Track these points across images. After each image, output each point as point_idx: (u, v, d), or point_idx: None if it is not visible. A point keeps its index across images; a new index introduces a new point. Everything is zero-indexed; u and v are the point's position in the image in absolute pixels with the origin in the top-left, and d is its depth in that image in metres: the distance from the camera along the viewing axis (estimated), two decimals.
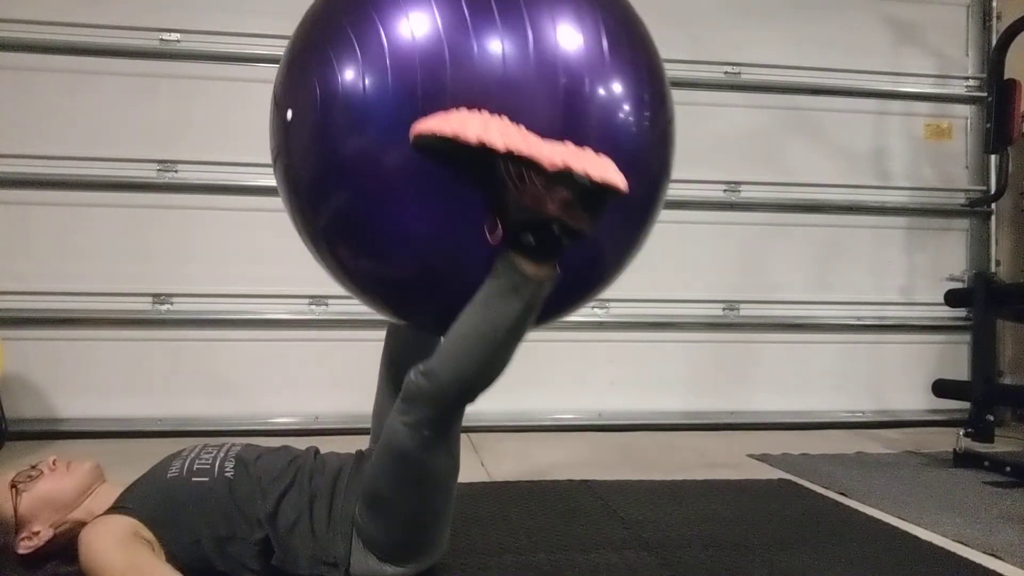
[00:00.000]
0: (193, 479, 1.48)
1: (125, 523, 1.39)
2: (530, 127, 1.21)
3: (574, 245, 1.24)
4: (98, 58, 3.27)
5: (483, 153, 1.16)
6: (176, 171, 3.32)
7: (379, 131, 1.25)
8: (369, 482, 1.46)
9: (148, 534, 1.39)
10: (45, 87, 3.25)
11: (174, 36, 3.32)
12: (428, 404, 1.35)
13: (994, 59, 3.21)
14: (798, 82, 3.76)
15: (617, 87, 1.31)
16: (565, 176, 1.17)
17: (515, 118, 1.20)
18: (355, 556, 1.47)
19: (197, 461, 1.53)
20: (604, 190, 1.18)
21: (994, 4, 3.91)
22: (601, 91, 1.29)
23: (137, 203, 3.30)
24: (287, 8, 3.46)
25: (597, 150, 1.20)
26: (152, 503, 1.44)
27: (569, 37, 1.27)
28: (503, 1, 1.24)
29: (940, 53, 3.92)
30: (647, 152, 1.38)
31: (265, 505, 1.47)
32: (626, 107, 1.32)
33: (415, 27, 1.24)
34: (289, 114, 1.38)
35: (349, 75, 1.26)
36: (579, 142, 1.21)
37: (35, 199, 3.24)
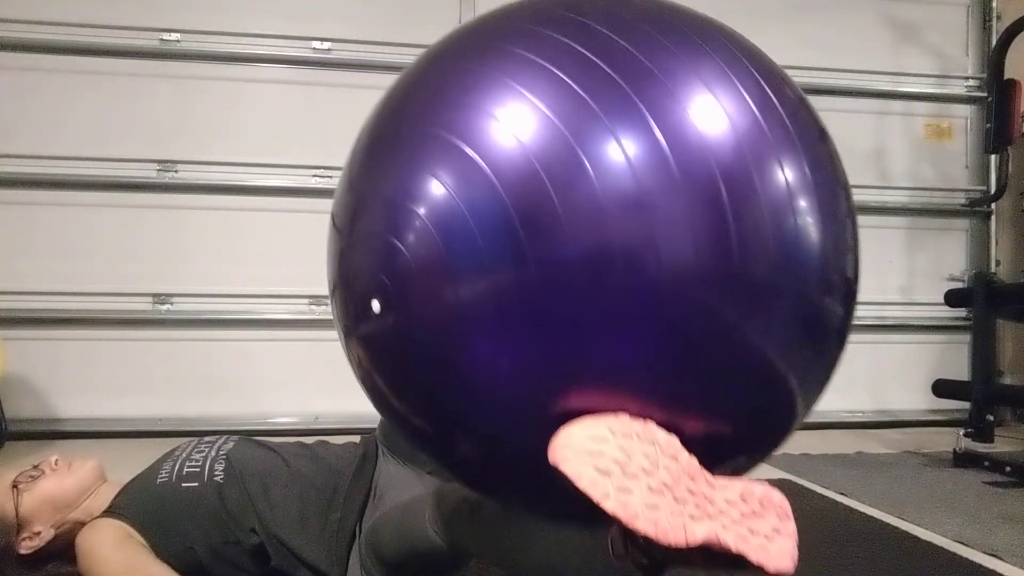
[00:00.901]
0: (183, 484, 1.44)
1: (118, 525, 1.38)
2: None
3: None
4: (98, 58, 3.27)
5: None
6: (176, 171, 3.32)
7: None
8: (379, 543, 1.34)
9: (140, 538, 1.38)
10: (45, 87, 3.25)
11: (174, 36, 3.32)
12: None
13: (994, 59, 3.21)
14: (798, 82, 3.73)
15: (790, 171, 0.89)
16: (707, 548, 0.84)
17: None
18: (351, 572, 1.41)
19: (187, 463, 1.49)
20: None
21: (994, 4, 3.91)
22: (777, 179, 0.87)
23: (137, 203, 3.30)
24: (287, 8, 3.49)
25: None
26: (144, 509, 1.42)
27: (710, 112, 0.86)
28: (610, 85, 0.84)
29: (940, 53, 3.92)
30: (835, 259, 0.94)
31: (257, 512, 1.42)
32: (803, 201, 0.89)
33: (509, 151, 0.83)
34: (376, 306, 0.94)
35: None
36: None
37: (35, 199, 3.24)
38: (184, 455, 1.52)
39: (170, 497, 1.42)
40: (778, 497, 0.95)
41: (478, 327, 0.84)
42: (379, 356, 0.98)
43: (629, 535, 0.91)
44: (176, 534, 1.40)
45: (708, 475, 0.88)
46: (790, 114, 0.96)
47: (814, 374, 1.01)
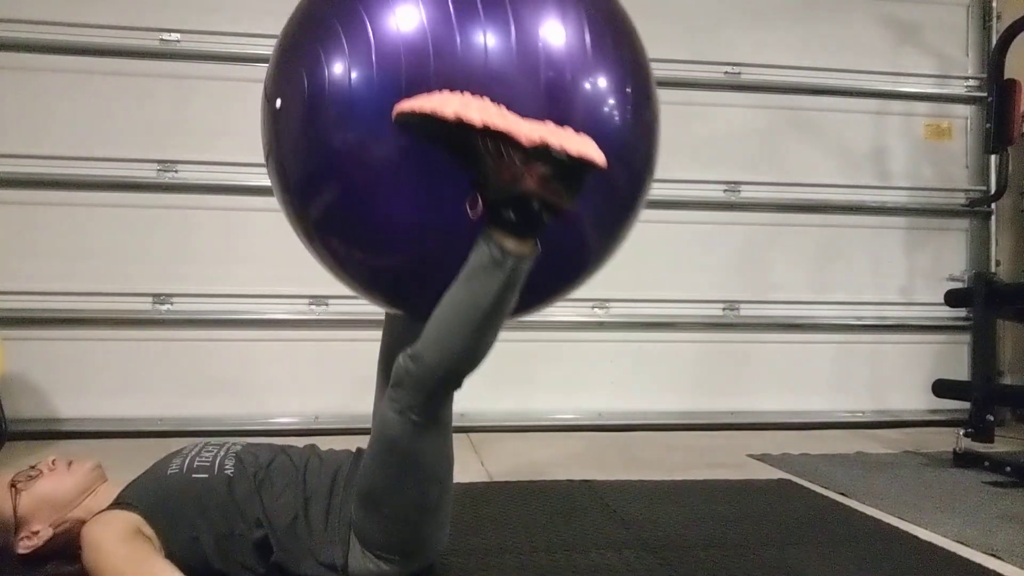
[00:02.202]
0: (193, 475, 1.49)
1: (125, 518, 1.39)
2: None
3: (554, 221, 1.26)
4: (98, 58, 3.27)
5: (461, 129, 1.16)
6: (176, 171, 3.32)
7: (366, 123, 1.27)
8: (363, 477, 1.46)
9: (148, 530, 1.40)
10: (46, 87, 3.25)
11: (174, 36, 3.32)
12: (416, 388, 1.35)
13: (994, 59, 3.21)
14: (798, 82, 3.76)
15: (600, 81, 1.33)
16: (542, 151, 1.17)
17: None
18: (352, 557, 1.47)
19: (197, 459, 1.54)
20: (582, 165, 1.18)
21: (994, 4, 3.91)
22: (584, 84, 1.31)
23: (137, 203, 3.30)
24: (287, 8, 3.47)
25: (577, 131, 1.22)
26: (152, 499, 1.45)
27: (552, 31, 1.29)
28: None
29: (940, 53, 3.92)
30: (630, 144, 1.40)
31: (263, 504, 1.48)
32: (609, 101, 1.34)
33: (400, 22, 1.26)
34: (278, 103, 1.38)
35: (336, 69, 1.28)
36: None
37: (35, 199, 3.24)
38: (194, 452, 1.57)
39: (180, 487, 1.47)
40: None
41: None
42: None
43: (482, 153, 1.19)
44: (183, 523, 1.43)
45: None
46: (609, 42, 1.38)
47: (603, 227, 1.46)
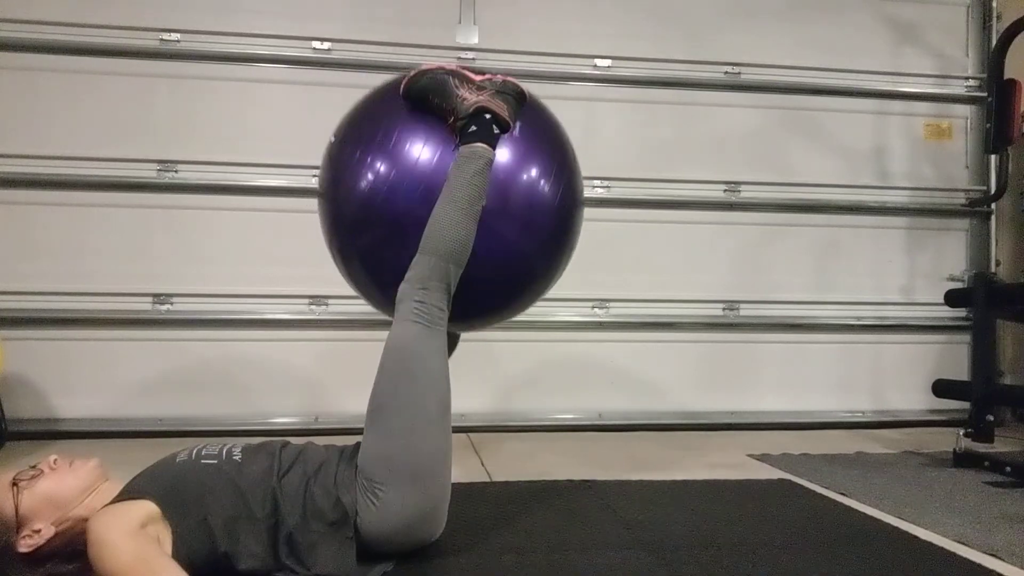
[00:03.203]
0: (202, 461, 1.58)
1: (133, 511, 1.41)
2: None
3: (502, 134, 1.78)
4: (98, 58, 3.27)
5: (441, 76, 1.79)
6: (176, 171, 3.32)
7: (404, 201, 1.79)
8: (372, 396, 1.64)
9: (156, 523, 1.43)
10: (45, 87, 3.25)
11: (174, 36, 3.32)
12: (416, 285, 1.65)
13: (994, 59, 3.21)
14: (798, 82, 3.76)
15: (532, 171, 1.88)
16: (487, 82, 1.84)
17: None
18: (360, 502, 1.57)
19: (204, 450, 1.62)
20: (513, 88, 1.85)
21: (994, 4, 3.91)
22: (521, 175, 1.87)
23: (137, 203, 3.30)
24: (287, 8, 3.49)
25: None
26: (162, 483, 1.51)
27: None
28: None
29: (940, 53, 3.92)
30: (551, 207, 1.89)
31: (272, 481, 1.56)
32: (539, 185, 1.88)
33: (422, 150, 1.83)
34: (332, 139, 1.99)
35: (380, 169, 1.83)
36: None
37: (36, 199, 3.24)
38: (199, 446, 1.64)
39: (190, 471, 1.55)
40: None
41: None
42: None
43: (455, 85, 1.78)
44: (193, 505, 1.49)
45: None
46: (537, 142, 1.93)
47: (539, 249, 1.90)
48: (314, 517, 1.55)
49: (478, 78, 1.84)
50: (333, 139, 1.95)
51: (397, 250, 1.75)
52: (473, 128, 1.74)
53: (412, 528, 1.62)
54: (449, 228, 1.67)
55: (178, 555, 1.43)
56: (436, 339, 1.65)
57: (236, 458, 1.59)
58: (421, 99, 1.80)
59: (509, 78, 1.88)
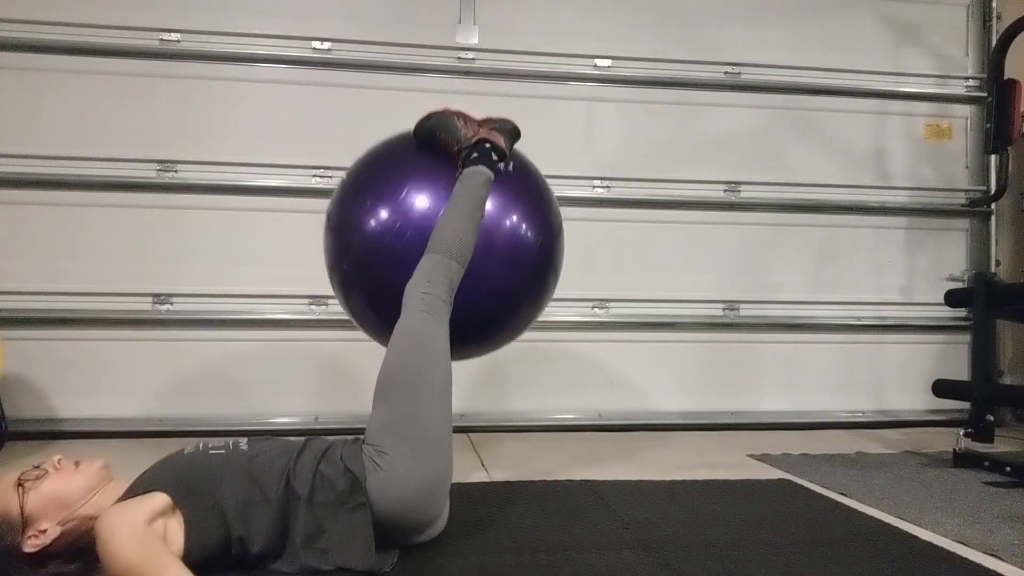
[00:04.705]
0: (211, 451, 1.63)
1: (142, 510, 1.42)
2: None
3: (501, 160, 2.00)
4: (98, 58, 3.27)
5: (447, 117, 2.03)
6: (176, 171, 3.32)
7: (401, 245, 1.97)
8: (380, 374, 1.74)
9: (164, 517, 1.45)
10: (45, 87, 3.25)
11: (174, 36, 3.32)
12: (422, 280, 1.79)
13: (994, 59, 3.20)
14: (798, 82, 3.76)
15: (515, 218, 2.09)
16: (486, 120, 2.08)
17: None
18: (368, 468, 1.63)
19: (211, 443, 1.66)
20: (509, 126, 2.11)
21: (994, 4, 3.91)
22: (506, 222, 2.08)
23: (137, 203, 3.30)
24: (286, 8, 3.49)
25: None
26: (170, 473, 1.54)
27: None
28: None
29: (940, 53, 3.92)
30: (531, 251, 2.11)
31: (283, 464, 1.61)
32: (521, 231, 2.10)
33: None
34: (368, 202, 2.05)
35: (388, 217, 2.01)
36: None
37: (36, 199, 3.24)
38: (204, 441, 1.68)
39: (200, 460, 1.60)
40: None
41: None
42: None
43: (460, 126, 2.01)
44: (204, 492, 1.52)
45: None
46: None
47: (526, 286, 2.11)
48: (325, 490, 1.59)
49: (479, 117, 2.10)
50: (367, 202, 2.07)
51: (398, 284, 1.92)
52: (475, 155, 1.97)
53: (418, 499, 1.65)
54: (454, 230, 1.85)
55: (191, 542, 1.46)
56: (440, 325, 1.78)
57: (244, 448, 1.65)
58: (429, 136, 2.03)
59: (505, 118, 2.14)
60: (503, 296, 2.06)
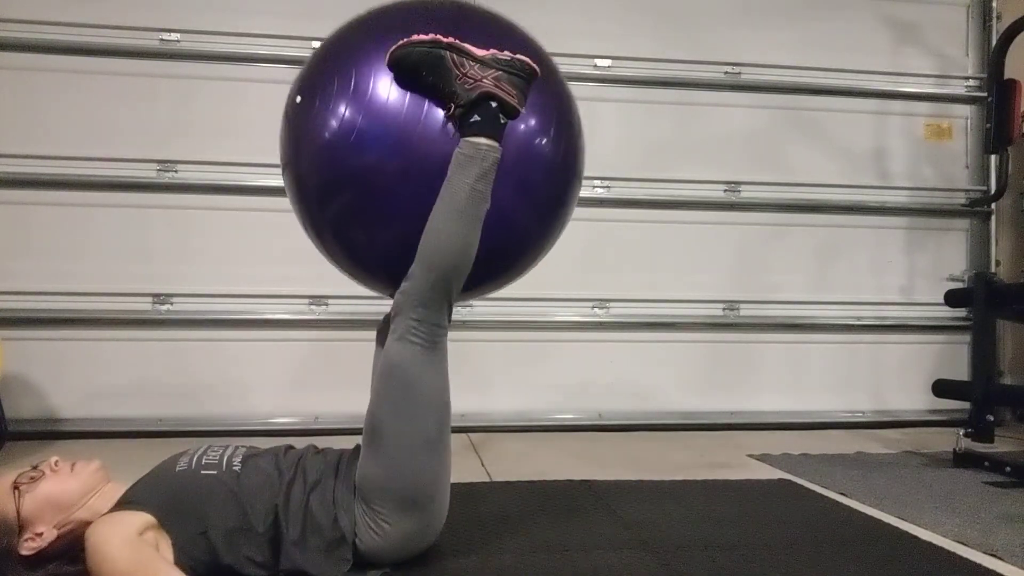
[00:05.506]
0: (202, 472, 1.54)
1: (132, 521, 1.40)
2: None
3: (510, 120, 1.55)
4: (98, 58, 3.27)
5: (435, 50, 1.50)
6: (176, 171, 3.32)
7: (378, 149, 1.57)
8: (368, 415, 1.57)
9: (154, 531, 1.42)
10: (45, 87, 3.25)
11: (174, 36, 3.32)
12: (413, 301, 1.53)
13: (994, 59, 3.20)
14: (798, 82, 3.76)
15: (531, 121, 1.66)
16: (492, 59, 1.55)
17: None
18: (360, 525, 1.53)
19: (204, 457, 1.58)
20: (523, 67, 1.56)
21: (994, 4, 3.91)
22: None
23: (137, 203, 3.30)
24: (286, 8, 3.49)
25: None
26: (160, 495, 1.48)
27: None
28: None
29: (940, 53, 3.92)
30: (555, 159, 1.72)
31: (272, 495, 1.53)
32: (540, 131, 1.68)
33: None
34: (299, 99, 1.72)
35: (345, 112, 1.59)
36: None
37: (35, 199, 3.24)
38: (200, 452, 1.61)
39: (189, 482, 1.52)
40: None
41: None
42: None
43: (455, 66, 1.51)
44: (192, 518, 1.46)
45: None
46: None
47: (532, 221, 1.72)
48: (313, 533, 1.52)
49: (481, 52, 1.54)
50: (299, 99, 1.71)
51: (370, 224, 1.60)
52: (476, 118, 1.50)
53: (410, 545, 1.61)
54: (450, 241, 1.52)
55: (179, 565, 1.41)
56: (435, 358, 1.56)
57: (236, 468, 1.56)
58: (411, 75, 1.52)
59: (518, 55, 1.56)
60: (506, 225, 1.66)
